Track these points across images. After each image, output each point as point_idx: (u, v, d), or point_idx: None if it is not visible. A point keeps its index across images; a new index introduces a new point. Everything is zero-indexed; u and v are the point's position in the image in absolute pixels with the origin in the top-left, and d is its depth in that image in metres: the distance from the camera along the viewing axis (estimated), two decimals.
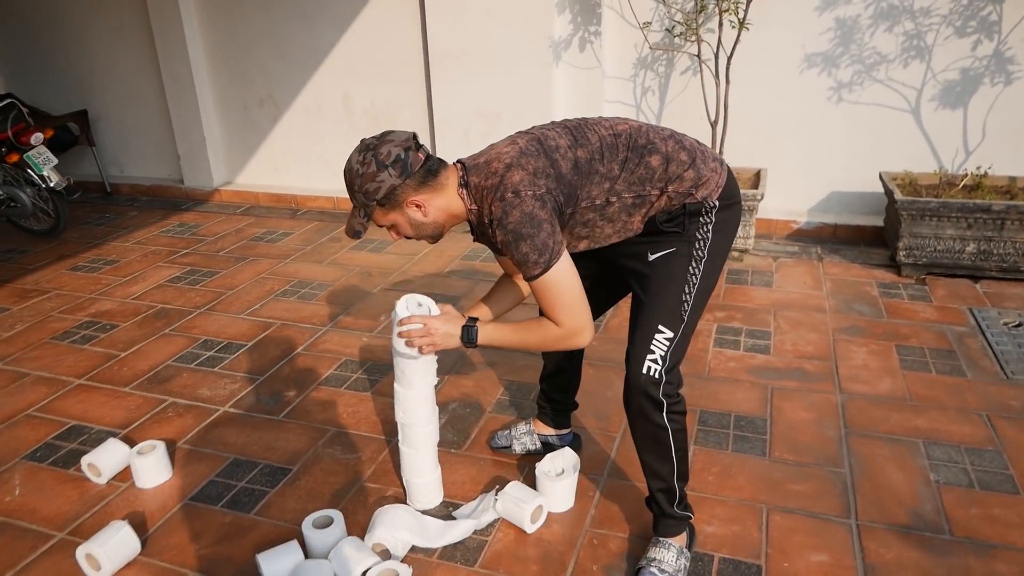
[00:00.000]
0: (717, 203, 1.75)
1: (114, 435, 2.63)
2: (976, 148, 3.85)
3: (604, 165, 1.71)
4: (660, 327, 1.76)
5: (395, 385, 2.04)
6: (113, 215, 5.19)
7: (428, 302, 1.94)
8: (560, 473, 2.18)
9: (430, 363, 2.00)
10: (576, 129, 1.77)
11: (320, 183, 5.16)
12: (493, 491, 2.18)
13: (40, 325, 3.53)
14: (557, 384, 2.31)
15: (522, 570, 1.96)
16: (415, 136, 1.75)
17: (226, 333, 3.36)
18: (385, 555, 1.99)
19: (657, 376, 1.76)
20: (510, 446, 2.40)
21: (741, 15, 3.55)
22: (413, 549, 2.03)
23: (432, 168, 1.74)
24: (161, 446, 2.38)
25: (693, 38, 3.82)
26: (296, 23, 4.81)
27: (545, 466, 2.19)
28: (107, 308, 3.68)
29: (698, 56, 3.77)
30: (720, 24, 3.65)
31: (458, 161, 1.79)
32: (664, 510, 1.93)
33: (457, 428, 2.57)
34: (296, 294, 3.74)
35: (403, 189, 1.70)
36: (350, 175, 1.72)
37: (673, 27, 3.97)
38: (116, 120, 5.60)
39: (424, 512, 2.17)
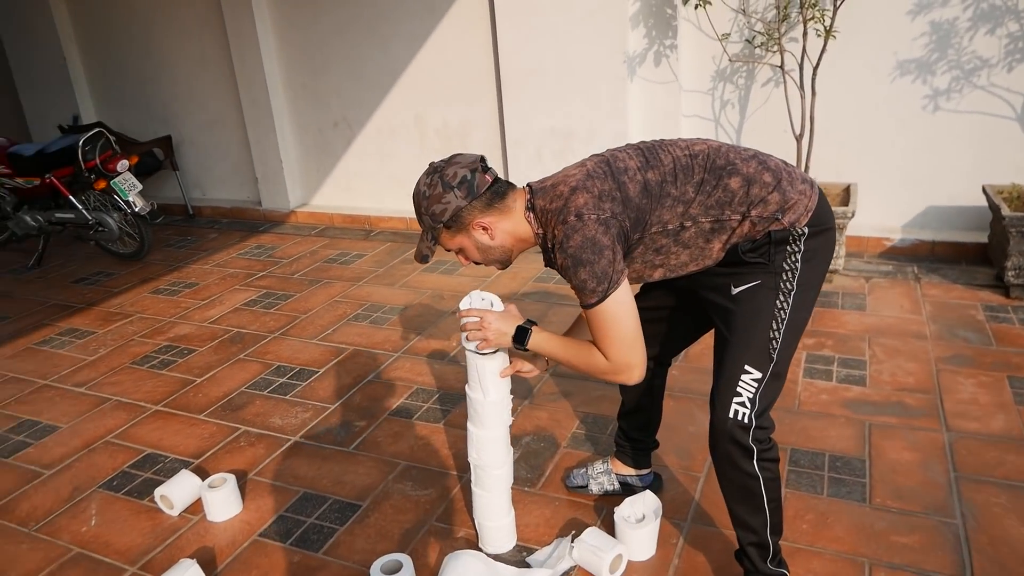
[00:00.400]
0: (806, 230, 1.60)
1: (187, 464, 2.64)
2: None
3: (677, 188, 1.61)
4: (747, 367, 1.63)
5: (468, 425, 1.96)
6: (195, 237, 5.33)
7: (493, 298, 1.85)
8: (641, 519, 2.05)
9: (505, 404, 1.90)
10: (649, 150, 1.67)
11: (392, 203, 5.17)
12: (569, 537, 2.06)
13: (122, 349, 3.62)
14: (636, 422, 2.18)
15: None
16: (482, 159, 1.70)
17: (299, 359, 3.36)
18: None
19: (746, 421, 1.63)
20: (587, 486, 2.27)
21: (827, 22, 3.35)
22: None
23: (499, 191, 1.68)
24: (231, 480, 2.36)
25: (775, 48, 3.64)
26: (370, 44, 4.84)
27: (624, 511, 2.06)
28: (185, 332, 3.74)
29: (781, 67, 3.58)
30: (804, 33, 3.45)
31: (527, 185, 1.73)
32: (756, 566, 1.79)
33: (531, 464, 2.47)
34: (368, 318, 3.72)
35: (469, 211, 1.65)
36: (417, 198, 1.69)
37: (753, 37, 3.79)
38: (198, 145, 5.77)
39: (496, 557, 2.07)
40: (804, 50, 3.49)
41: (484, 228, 1.68)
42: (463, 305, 1.84)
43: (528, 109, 4.33)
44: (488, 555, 2.07)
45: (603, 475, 2.26)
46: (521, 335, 1.74)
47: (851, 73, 3.73)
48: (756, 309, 1.64)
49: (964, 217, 3.78)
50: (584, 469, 2.31)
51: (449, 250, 1.77)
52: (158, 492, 2.38)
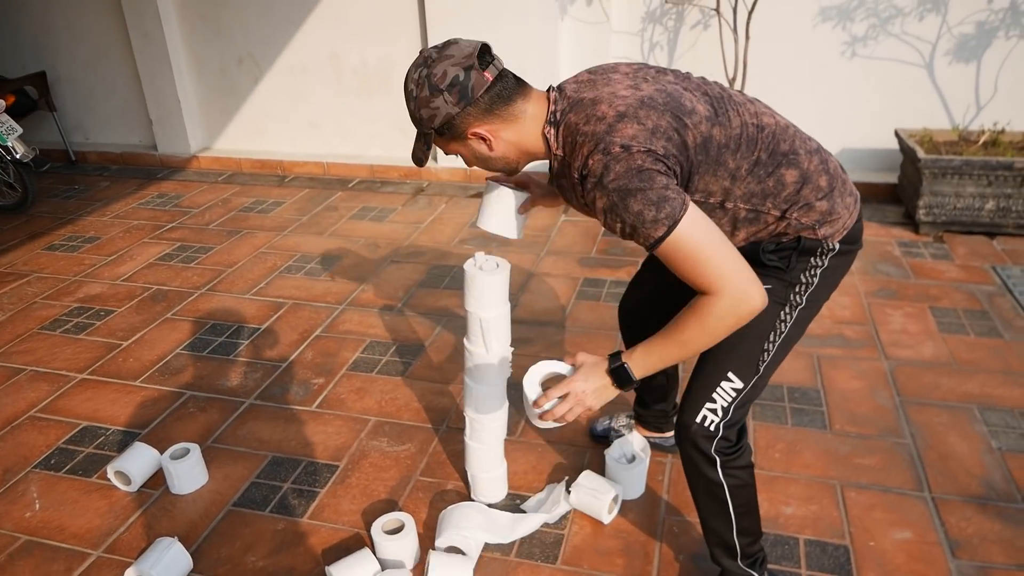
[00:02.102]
0: (837, 246, 1.47)
1: (132, 436, 2.45)
2: (988, 103, 3.81)
3: (735, 160, 1.39)
4: (730, 374, 1.51)
5: (466, 379, 1.92)
6: (83, 186, 4.85)
7: (556, 366, 1.54)
8: (632, 459, 2.10)
9: (506, 360, 1.87)
10: (718, 100, 1.43)
11: (307, 147, 4.90)
12: (562, 482, 2.09)
13: (25, 313, 3.28)
14: (655, 396, 2.17)
15: (607, 564, 1.88)
16: (482, 48, 1.40)
17: (235, 316, 3.17)
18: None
19: (712, 429, 1.53)
20: (607, 437, 2.28)
21: None
22: (487, 547, 1.94)
23: (504, 93, 1.40)
24: (196, 449, 2.22)
25: None
26: None
27: (615, 452, 2.11)
28: (96, 292, 3.43)
29: (716, 9, 3.63)
30: None
31: (554, 87, 1.45)
32: (725, 567, 1.70)
33: None
34: (302, 270, 3.55)
35: (462, 118, 1.39)
36: (407, 96, 1.43)
37: None
38: (79, 82, 5.20)
39: (490, 506, 2.07)
40: None
41: (482, 138, 1.42)
42: (531, 395, 1.48)
43: None
44: (483, 506, 2.07)
45: (625, 428, 2.27)
46: (623, 377, 1.40)
47: (777, 18, 3.83)
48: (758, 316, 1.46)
49: (876, 159, 4.03)
50: (608, 420, 2.31)
51: (449, 154, 1.54)
52: (112, 467, 2.20)
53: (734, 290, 1.27)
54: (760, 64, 3.87)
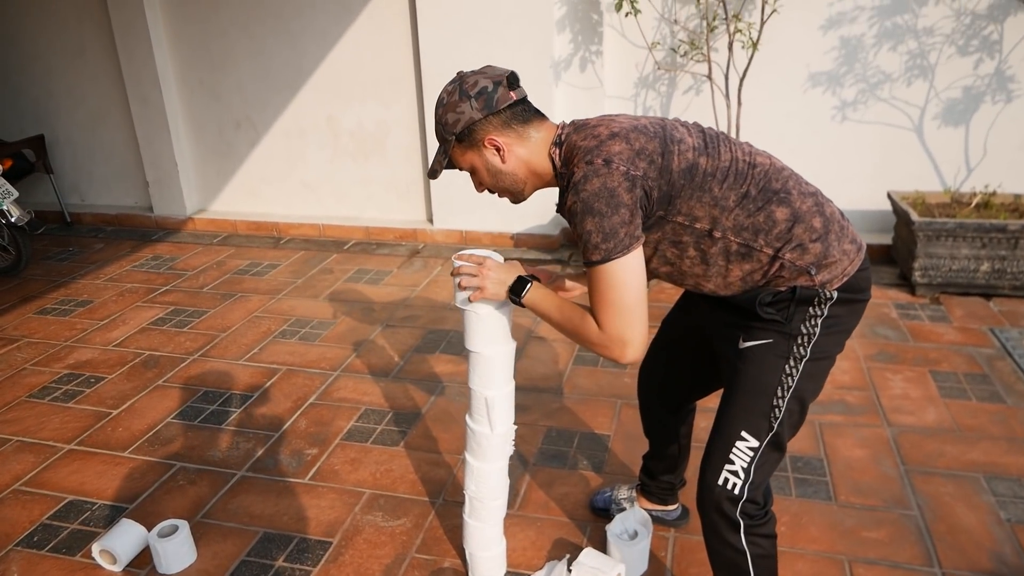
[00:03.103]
0: (835, 294, 1.46)
1: (119, 510, 2.38)
2: (977, 165, 3.87)
3: (721, 189, 1.45)
4: (743, 433, 1.52)
5: (467, 456, 1.87)
6: (77, 248, 4.84)
7: (490, 254, 1.73)
8: (633, 535, 2.04)
9: (509, 437, 1.83)
10: (711, 138, 1.52)
11: (303, 209, 4.92)
12: (563, 560, 2.02)
13: (14, 380, 3.22)
14: (663, 467, 2.13)
15: None
16: (512, 75, 1.55)
17: (227, 383, 3.12)
18: None
19: (736, 492, 1.53)
20: (608, 511, 2.23)
21: (755, 36, 3.48)
22: None
23: (523, 114, 1.54)
24: (184, 526, 2.15)
25: (700, 58, 3.74)
26: (277, 39, 4.57)
27: (616, 528, 2.05)
28: (87, 357, 3.39)
29: (708, 76, 3.69)
30: (730, 45, 3.58)
31: (566, 121, 1.59)
32: None
33: None
34: (296, 334, 3.52)
35: (483, 125, 1.51)
36: (437, 104, 1.57)
37: (679, 47, 3.88)
38: (77, 145, 5.24)
39: None
40: (730, 62, 3.62)
41: (497, 148, 1.53)
42: (457, 256, 1.71)
43: None
44: None
45: (626, 502, 2.22)
46: (520, 286, 1.59)
47: (767, 84, 3.91)
48: (761, 371, 1.51)
49: (868, 221, 4.06)
50: (608, 493, 2.26)
51: (462, 170, 1.62)
52: (97, 546, 2.13)
53: (613, 338, 1.44)
54: (752, 128, 3.93)
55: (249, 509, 2.36)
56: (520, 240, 4.40)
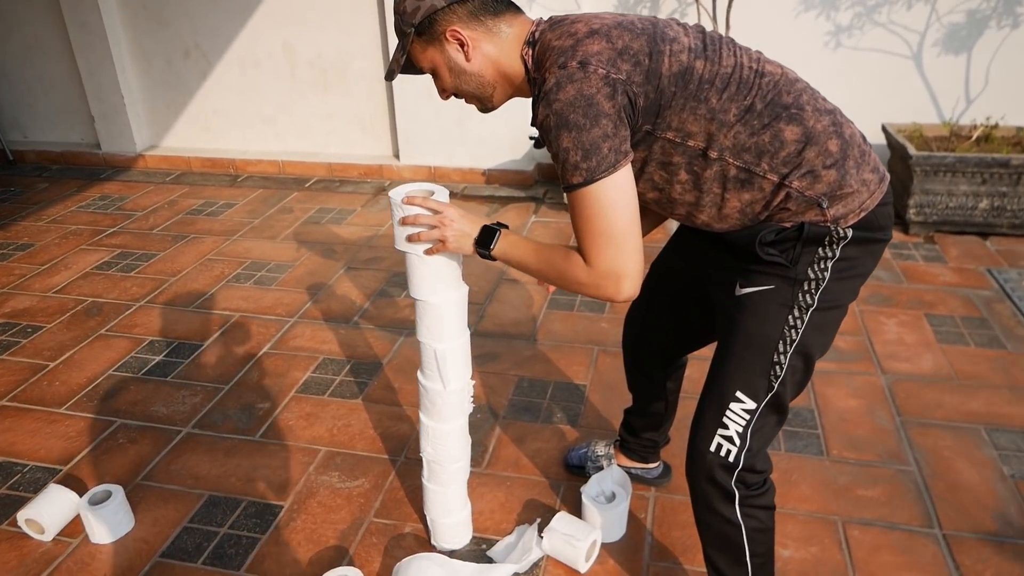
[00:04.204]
0: (849, 232, 1.24)
1: (53, 472, 2.18)
2: (978, 96, 3.64)
3: (719, 100, 1.22)
4: (738, 394, 1.33)
5: (421, 416, 1.67)
6: (19, 188, 4.51)
7: (437, 190, 1.48)
8: (611, 497, 1.87)
9: (466, 393, 1.63)
10: (711, 40, 1.28)
11: (261, 144, 4.60)
12: (534, 524, 1.85)
13: None
14: (646, 424, 1.94)
15: None
16: None
17: (175, 331, 2.89)
18: None
19: (731, 460, 1.35)
20: (584, 468, 2.05)
21: None
22: None
23: (494, 6, 1.31)
24: (119, 492, 1.95)
25: None
26: None
27: (592, 490, 1.88)
28: (25, 305, 3.13)
29: None
30: None
31: (544, 19, 1.35)
32: None
33: (472, 440, 2.22)
34: (251, 278, 3.27)
35: (446, 15, 1.28)
36: None
37: None
38: (13, 77, 4.84)
39: (451, 553, 1.83)
40: None
41: (460, 43, 1.30)
42: (399, 194, 1.44)
43: None
44: (443, 552, 1.83)
45: (604, 459, 2.03)
46: (488, 237, 1.38)
47: (760, 6, 3.62)
48: (761, 321, 1.31)
49: None
50: (584, 449, 2.08)
51: (422, 71, 1.39)
52: (22, 515, 1.93)
53: (604, 272, 1.23)
54: None
55: (194, 470, 2.16)
56: (492, 176, 4.14)
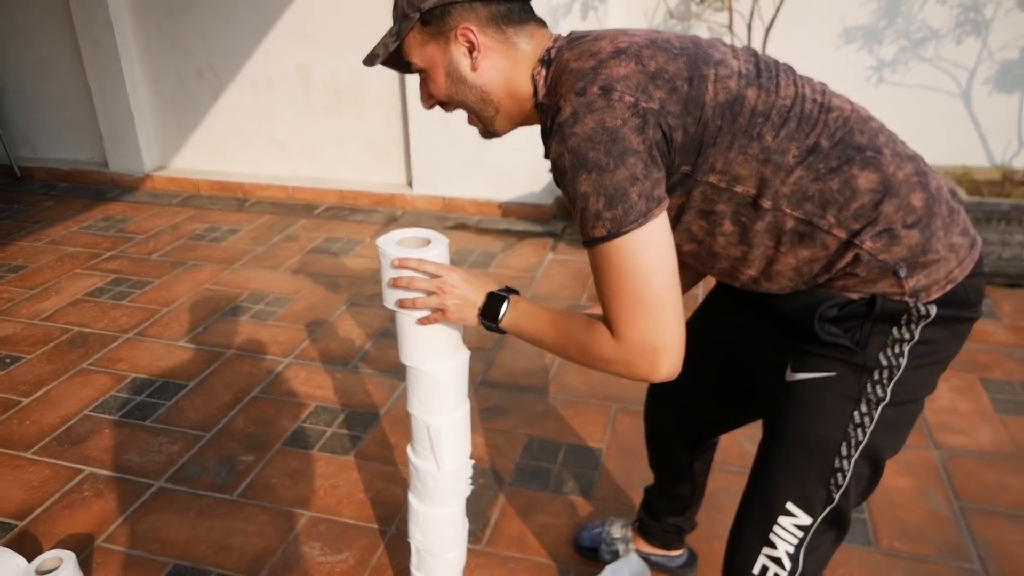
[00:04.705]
0: (933, 310, 1.01)
1: (8, 528, 1.97)
2: None
3: (776, 137, 0.99)
4: (790, 506, 1.10)
5: (410, 498, 1.44)
6: (23, 206, 4.37)
7: (433, 236, 1.27)
8: None
9: (463, 475, 1.40)
10: (767, 67, 1.06)
11: (271, 168, 4.44)
12: None
13: None
14: (671, 508, 1.69)
15: None
16: None
17: (160, 367, 2.69)
18: None
19: None
20: (597, 551, 1.80)
21: None
22: None
23: (519, 15, 1.10)
24: (70, 560, 1.73)
25: (719, 6, 3.24)
26: None
27: None
28: (8, 332, 2.95)
29: (729, 27, 3.20)
30: None
31: (563, 36, 1.13)
32: None
33: (471, 510, 1.98)
34: (248, 312, 3.07)
35: (462, 10, 1.07)
36: None
37: None
38: (26, 92, 4.73)
39: None
40: (754, 12, 3.13)
41: (469, 45, 1.09)
42: (389, 248, 1.22)
43: None
44: None
45: (620, 542, 1.78)
46: (495, 307, 1.16)
47: (799, 38, 3.41)
48: (819, 417, 1.08)
49: None
50: (598, 529, 1.83)
51: (412, 67, 1.16)
52: None
53: (637, 348, 0.99)
54: None
55: (161, 532, 1.94)
56: (508, 209, 3.94)
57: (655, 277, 0.96)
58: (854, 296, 1.03)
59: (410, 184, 4.17)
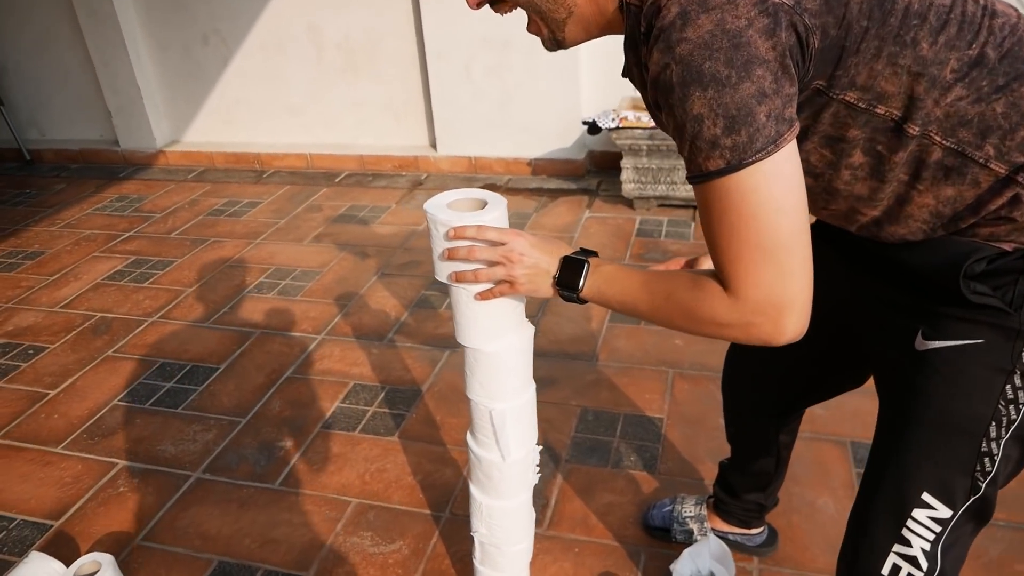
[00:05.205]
0: None
1: (43, 528, 1.87)
2: None
3: (933, 46, 0.81)
4: (925, 496, 0.94)
5: (473, 490, 1.30)
6: (35, 190, 4.25)
7: (491, 198, 1.10)
8: None
9: (530, 463, 1.26)
10: None
11: (287, 136, 4.27)
12: None
13: None
14: (752, 483, 1.54)
15: None
16: None
17: (189, 351, 2.57)
18: None
19: None
20: (669, 531, 1.67)
21: None
22: None
23: None
24: (109, 563, 1.62)
25: None
26: None
27: (685, 569, 1.49)
28: (29, 323, 2.84)
29: None
30: None
31: None
32: None
33: None
34: (275, 288, 2.94)
35: None
36: None
37: None
38: (28, 72, 4.57)
39: None
40: None
41: None
42: (440, 214, 1.04)
43: (454, 14, 3.52)
44: None
45: (692, 521, 1.65)
46: (573, 272, 0.99)
47: None
48: (961, 392, 0.91)
49: None
50: (668, 507, 1.69)
51: None
52: None
53: (759, 304, 0.81)
54: None
55: (202, 527, 1.84)
56: (539, 167, 3.75)
57: (784, 219, 0.78)
58: (1007, 247, 0.86)
59: (434, 145, 3.99)
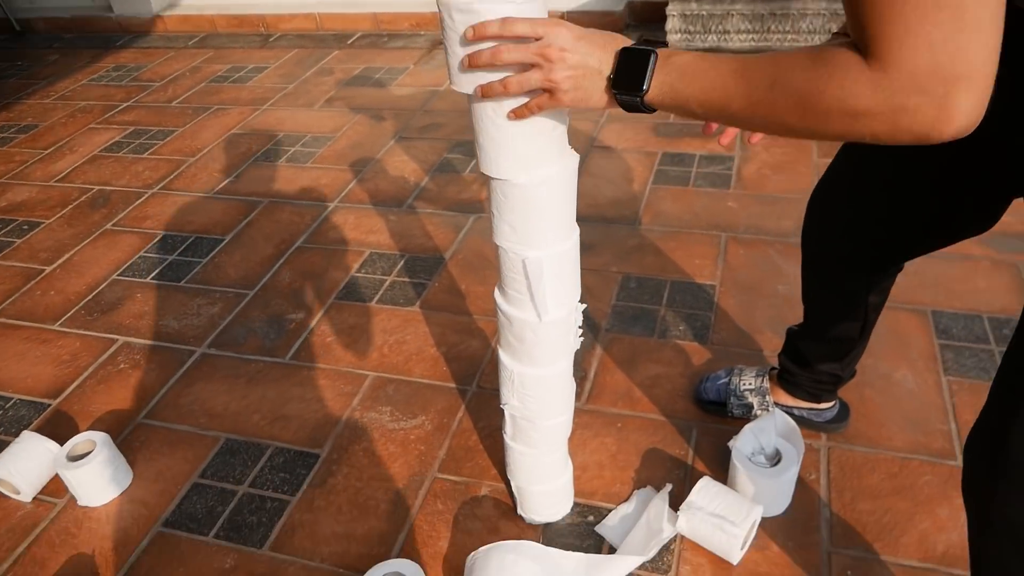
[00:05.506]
0: None
1: (41, 407, 1.74)
2: None
3: None
4: None
5: (502, 355, 1.09)
6: (27, 62, 3.97)
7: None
8: (774, 458, 1.30)
9: (570, 324, 1.04)
10: None
11: None
12: (664, 491, 1.30)
13: None
14: (830, 351, 1.32)
15: None
16: None
17: (192, 223, 2.37)
18: None
19: None
20: (725, 405, 1.47)
21: None
22: None
23: None
24: (103, 442, 1.48)
25: None
26: None
27: (746, 446, 1.30)
28: (23, 197, 2.65)
29: None
30: None
31: None
32: None
33: None
34: (284, 155, 2.70)
35: None
36: None
37: None
38: None
39: (547, 527, 1.31)
40: None
41: None
42: (457, 2, 0.77)
43: None
44: (535, 526, 1.31)
45: (753, 394, 1.45)
46: (636, 69, 0.72)
47: None
48: None
49: None
50: (724, 379, 1.49)
51: None
52: None
53: (920, 77, 0.54)
54: None
55: (208, 404, 1.68)
56: (573, 20, 3.36)
57: None
58: None
59: None
